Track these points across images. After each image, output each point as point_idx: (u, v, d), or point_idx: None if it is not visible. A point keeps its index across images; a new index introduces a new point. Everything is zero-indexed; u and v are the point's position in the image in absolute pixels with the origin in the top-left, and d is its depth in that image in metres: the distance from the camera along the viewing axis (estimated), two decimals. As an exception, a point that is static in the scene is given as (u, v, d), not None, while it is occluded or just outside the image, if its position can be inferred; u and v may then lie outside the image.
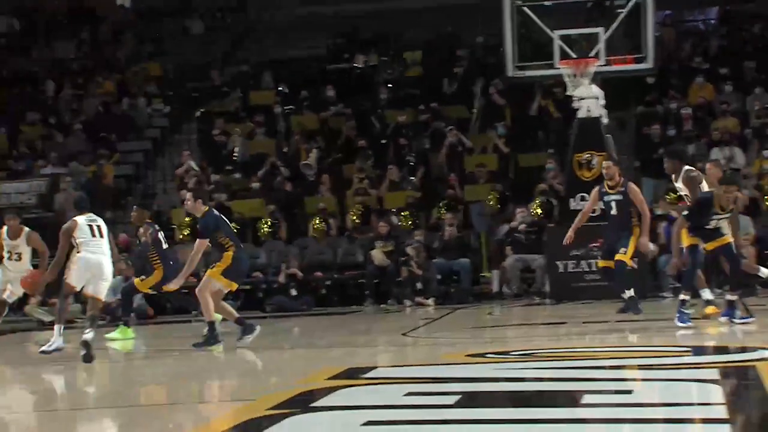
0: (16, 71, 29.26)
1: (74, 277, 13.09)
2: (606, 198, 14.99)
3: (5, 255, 15.11)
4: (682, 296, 13.54)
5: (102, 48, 30.41)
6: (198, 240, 13.58)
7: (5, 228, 15.22)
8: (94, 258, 13.05)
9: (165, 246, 16.02)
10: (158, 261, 15.45)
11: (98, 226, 13.30)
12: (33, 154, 25.55)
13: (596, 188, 15.35)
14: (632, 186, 14.92)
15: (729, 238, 13.75)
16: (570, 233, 15.25)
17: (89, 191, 23.08)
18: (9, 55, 30.24)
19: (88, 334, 12.57)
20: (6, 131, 26.49)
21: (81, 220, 13.30)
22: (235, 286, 13.85)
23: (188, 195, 13.90)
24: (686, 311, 13.36)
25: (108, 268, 13.16)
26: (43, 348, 13.00)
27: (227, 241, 13.45)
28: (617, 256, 14.63)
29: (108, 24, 31.40)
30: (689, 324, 13.29)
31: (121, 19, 31.57)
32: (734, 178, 15.20)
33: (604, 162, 15.68)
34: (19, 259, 15.05)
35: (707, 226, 13.64)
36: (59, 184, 23.71)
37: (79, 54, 30.00)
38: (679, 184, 14.23)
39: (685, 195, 14.19)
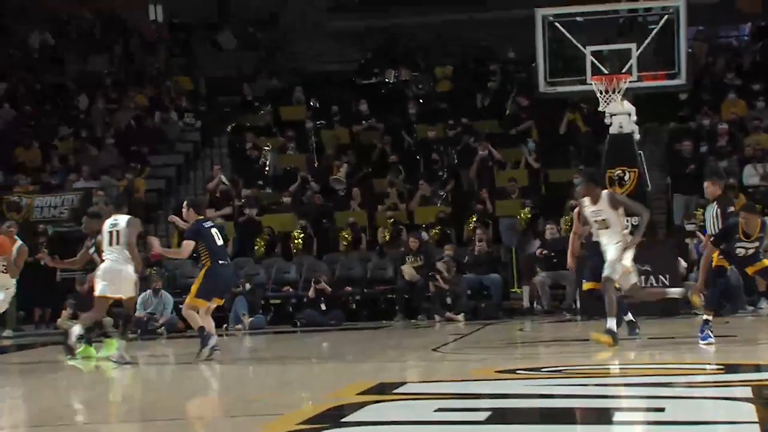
0: (50, 85, 29.45)
1: (98, 288, 13.93)
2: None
3: None
4: (705, 316, 13.49)
5: (134, 62, 30.57)
6: (184, 241, 14.25)
7: None
8: (112, 267, 13.88)
9: None
10: None
11: (117, 232, 13.85)
12: (66, 167, 25.67)
13: (577, 209, 15.18)
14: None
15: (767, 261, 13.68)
16: (570, 260, 15.07)
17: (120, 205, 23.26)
18: (42, 69, 30.44)
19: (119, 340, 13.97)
20: (39, 145, 26.63)
21: (106, 224, 14.04)
22: (218, 302, 14.51)
23: (184, 203, 14.62)
24: (710, 329, 13.32)
25: (125, 271, 13.86)
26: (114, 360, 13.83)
27: (205, 254, 14.01)
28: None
29: (140, 38, 31.57)
30: (710, 341, 13.22)
31: (154, 34, 31.74)
32: (753, 205, 15.00)
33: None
34: (5, 271, 14.87)
35: (736, 254, 13.57)
36: (91, 197, 23.83)
37: (111, 68, 30.16)
38: (595, 207, 13.62)
39: (603, 219, 13.59)
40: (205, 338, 13.92)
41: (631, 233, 13.98)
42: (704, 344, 13.28)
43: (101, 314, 14.55)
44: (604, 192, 13.77)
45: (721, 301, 15.65)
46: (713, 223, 15.88)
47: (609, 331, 13.54)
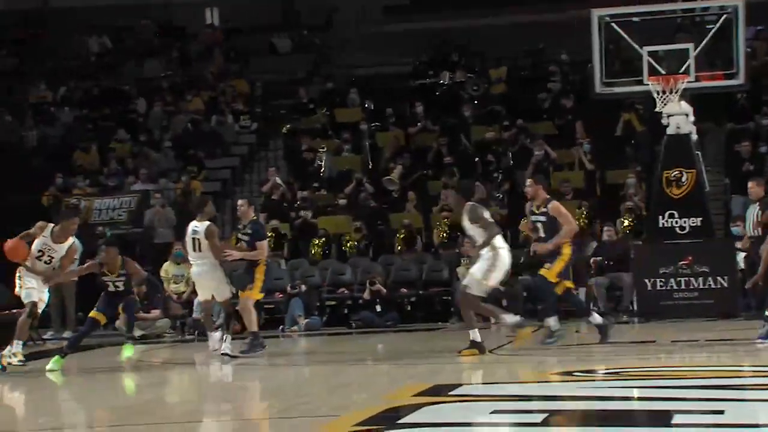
0: (108, 89, 29.77)
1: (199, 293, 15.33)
2: (533, 218, 14.51)
3: (36, 254, 14.11)
4: (767, 313, 13.40)
5: (191, 66, 30.79)
6: (259, 243, 14.53)
7: (52, 227, 14.24)
8: (199, 271, 14.84)
9: None
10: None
11: (198, 240, 14.62)
12: (124, 170, 25.92)
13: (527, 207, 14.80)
14: (554, 204, 14.22)
15: None
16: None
17: (179, 208, 23.56)
18: (101, 73, 30.78)
19: (225, 346, 14.28)
20: (97, 148, 26.90)
21: (189, 229, 14.77)
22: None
23: (242, 201, 15.14)
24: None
25: (214, 274, 14.70)
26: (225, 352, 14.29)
27: None
28: (541, 270, 14.25)
29: (197, 42, 31.80)
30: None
31: (210, 38, 31.95)
32: None
33: (527, 180, 14.95)
34: (49, 263, 14.22)
35: None
36: (149, 200, 24.05)
37: (168, 72, 30.41)
38: (465, 223, 13.61)
39: (470, 235, 13.71)
40: (255, 346, 14.48)
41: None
42: (760, 343, 13.22)
43: (209, 313, 15.44)
44: (467, 205, 13.58)
45: None
46: (753, 222, 15.82)
47: (473, 344, 13.52)
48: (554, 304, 14.48)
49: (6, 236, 14.54)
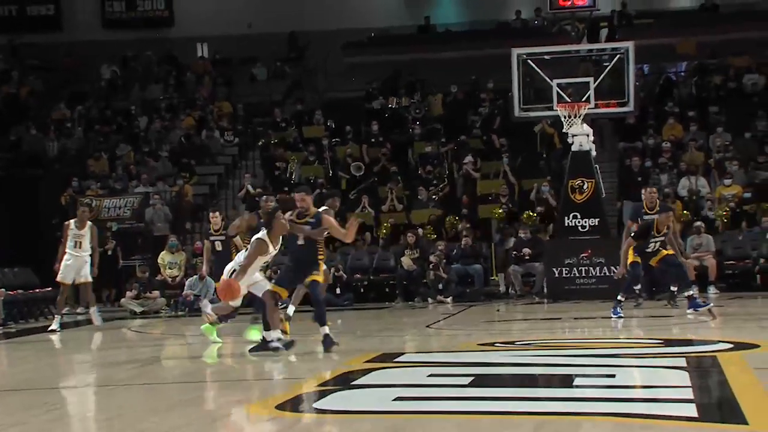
0: (117, 109, 29.56)
1: None
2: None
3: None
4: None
5: (185, 90, 30.62)
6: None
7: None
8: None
9: None
10: None
11: None
12: (128, 175, 25.74)
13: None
14: (325, 216, 11.69)
15: (669, 251, 14.37)
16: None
17: (174, 207, 23.44)
18: (111, 95, 30.55)
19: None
20: (107, 157, 26.71)
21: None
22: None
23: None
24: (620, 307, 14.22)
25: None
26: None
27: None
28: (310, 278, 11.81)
29: (190, 71, 31.62)
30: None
31: (200, 67, 31.79)
32: (666, 207, 15.23)
33: (296, 195, 11.96)
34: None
35: (647, 249, 14.25)
36: (149, 200, 23.91)
37: (166, 95, 30.22)
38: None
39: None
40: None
41: None
42: (615, 317, 13.97)
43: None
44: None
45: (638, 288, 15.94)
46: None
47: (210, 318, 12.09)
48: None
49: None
